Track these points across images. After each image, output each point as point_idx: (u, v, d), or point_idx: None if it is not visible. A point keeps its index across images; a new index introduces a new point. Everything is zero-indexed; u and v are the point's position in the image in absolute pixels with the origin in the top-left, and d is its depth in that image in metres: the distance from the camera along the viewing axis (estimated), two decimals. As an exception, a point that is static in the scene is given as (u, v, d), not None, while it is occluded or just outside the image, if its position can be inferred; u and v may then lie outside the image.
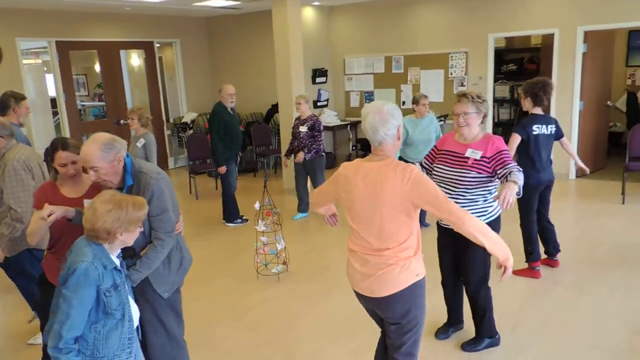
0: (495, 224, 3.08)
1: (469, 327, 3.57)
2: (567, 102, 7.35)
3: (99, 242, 2.05)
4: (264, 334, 3.69)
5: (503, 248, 2.27)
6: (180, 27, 9.77)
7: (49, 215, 2.39)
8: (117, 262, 2.13)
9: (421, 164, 3.32)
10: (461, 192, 3.03)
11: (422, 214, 5.74)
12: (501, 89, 9.83)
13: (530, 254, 4.37)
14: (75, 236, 2.42)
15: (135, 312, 2.20)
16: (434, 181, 3.09)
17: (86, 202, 2.58)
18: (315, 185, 6.16)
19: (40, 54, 10.56)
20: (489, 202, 3.08)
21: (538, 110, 4.16)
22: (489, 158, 2.96)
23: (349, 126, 9.35)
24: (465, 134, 3.06)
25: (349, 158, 9.32)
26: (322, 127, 6.14)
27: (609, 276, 4.31)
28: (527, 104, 4.20)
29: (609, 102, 7.94)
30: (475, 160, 2.97)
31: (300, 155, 6.04)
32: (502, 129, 10.00)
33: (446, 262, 3.36)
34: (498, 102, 9.74)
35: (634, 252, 4.77)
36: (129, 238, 2.10)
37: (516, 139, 4.08)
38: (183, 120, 9.71)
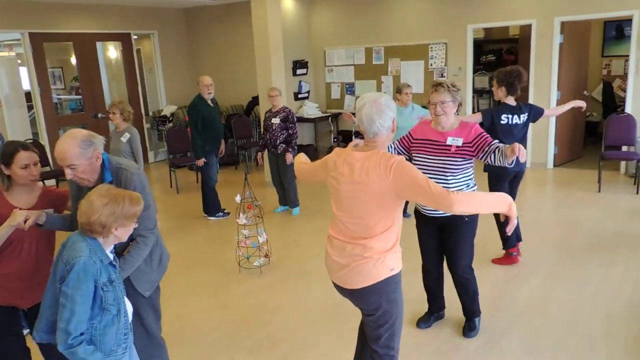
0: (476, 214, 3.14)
1: (450, 316, 3.62)
2: (545, 92, 7.46)
3: (93, 237, 2.03)
4: (247, 326, 3.69)
5: (500, 203, 2.24)
6: (158, 18, 9.62)
7: (25, 221, 2.31)
8: (112, 257, 2.13)
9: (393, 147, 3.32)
10: (449, 180, 3.08)
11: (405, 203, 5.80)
12: (480, 80, 9.91)
13: (506, 241, 4.43)
14: (36, 241, 2.42)
15: (129, 307, 2.19)
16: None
17: (45, 212, 2.51)
18: (284, 180, 6.10)
19: (14, 46, 10.32)
20: (472, 188, 3.16)
21: (510, 100, 4.16)
22: (471, 143, 3.02)
23: (330, 118, 9.34)
24: (442, 122, 3.10)
25: (330, 150, 9.32)
26: (295, 119, 6.07)
27: (585, 262, 4.40)
28: (500, 93, 4.20)
29: (585, 92, 8.07)
30: (458, 147, 3.03)
31: (289, 157, 5.87)
32: (482, 119, 10.12)
33: (429, 248, 3.38)
34: (477, 92, 9.82)
35: (610, 239, 4.88)
36: (124, 234, 2.08)
37: (476, 117, 4.09)
38: (162, 114, 9.60)
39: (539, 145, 7.66)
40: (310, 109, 9.20)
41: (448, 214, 3.06)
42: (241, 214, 4.62)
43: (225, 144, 6.34)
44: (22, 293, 2.56)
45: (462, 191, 2.82)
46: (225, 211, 6.23)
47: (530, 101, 7.57)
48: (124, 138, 4.91)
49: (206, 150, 5.90)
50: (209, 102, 5.90)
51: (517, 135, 4.19)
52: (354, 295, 2.35)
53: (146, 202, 2.44)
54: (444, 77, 8.28)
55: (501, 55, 9.88)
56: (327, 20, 9.34)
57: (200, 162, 5.90)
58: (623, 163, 7.14)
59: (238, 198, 4.59)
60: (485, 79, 9.94)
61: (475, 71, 8.94)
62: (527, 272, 4.28)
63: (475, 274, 3.36)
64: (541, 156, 7.67)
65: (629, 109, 6.87)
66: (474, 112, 8.85)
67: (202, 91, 5.84)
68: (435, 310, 3.60)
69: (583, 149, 8.30)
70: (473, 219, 3.17)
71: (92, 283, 1.95)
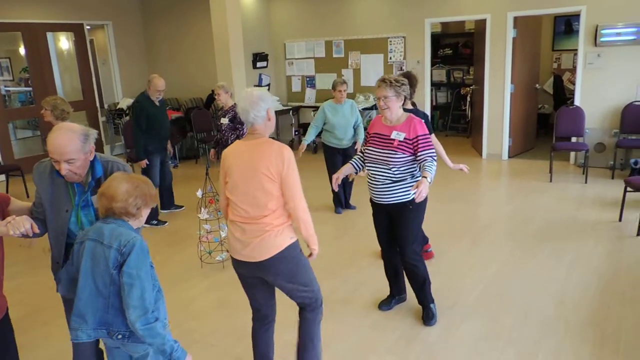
0: (423, 202, 3.28)
1: (411, 298, 3.71)
2: (499, 85, 7.68)
3: (123, 220, 2.09)
4: (209, 323, 3.67)
5: (314, 240, 2.63)
6: (113, 8, 9.33)
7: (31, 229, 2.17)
8: None
9: (361, 151, 3.51)
10: (391, 172, 3.22)
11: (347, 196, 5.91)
12: (438, 73, 10.13)
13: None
14: None
15: None
16: (367, 162, 3.35)
17: None
18: None
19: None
20: (417, 178, 3.28)
21: (408, 105, 4.24)
22: (410, 140, 3.17)
23: (291, 111, 9.33)
24: (387, 116, 3.25)
25: (291, 143, 9.32)
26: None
27: (538, 250, 4.59)
28: None
29: (537, 85, 8.36)
30: (400, 141, 3.18)
31: (212, 153, 5.68)
32: (440, 111, 10.34)
33: (382, 236, 3.56)
34: (435, 85, 10.03)
35: (561, 227, 5.10)
36: (146, 215, 2.19)
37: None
38: (118, 107, 9.34)
39: (495, 137, 7.91)
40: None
41: (393, 201, 3.27)
42: (203, 209, 4.58)
43: (172, 144, 6.09)
44: None
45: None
46: (154, 222, 5.77)
47: (486, 94, 7.79)
48: None
49: (148, 150, 5.62)
50: (156, 102, 5.61)
51: None
52: (264, 267, 2.54)
53: None
54: (403, 70, 8.40)
55: (457, 49, 10.11)
56: (287, 13, 9.29)
57: (143, 163, 5.61)
58: (573, 154, 7.46)
59: (199, 193, 4.54)
60: (443, 72, 10.16)
61: (433, 64, 9.11)
62: (484, 261, 4.44)
63: (425, 263, 3.48)
64: (496, 148, 7.92)
65: (577, 101, 7.18)
66: (432, 103, 9.04)
67: (152, 94, 5.55)
68: (395, 293, 3.74)
69: (535, 140, 8.61)
70: (417, 206, 3.30)
71: (149, 260, 2.06)
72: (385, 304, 3.71)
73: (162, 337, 2.04)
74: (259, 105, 2.48)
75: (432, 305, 3.54)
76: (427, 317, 3.51)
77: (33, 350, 3.40)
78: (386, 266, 3.68)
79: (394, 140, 3.19)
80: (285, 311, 3.16)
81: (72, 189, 2.34)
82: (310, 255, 2.70)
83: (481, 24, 7.81)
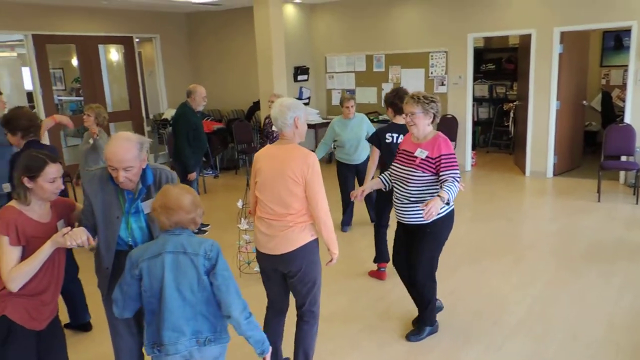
0: (449, 218, 3.22)
1: (447, 313, 3.63)
2: (545, 102, 7.50)
3: (190, 228, 2.18)
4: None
5: (334, 244, 2.79)
6: (160, 22, 9.65)
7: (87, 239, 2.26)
8: None
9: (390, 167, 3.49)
10: (410, 190, 3.18)
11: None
12: (480, 88, 9.98)
13: (377, 255, 4.49)
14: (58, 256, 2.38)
15: None
16: (391, 178, 3.38)
17: (60, 224, 2.43)
18: None
19: (16, 47, 10.32)
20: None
21: (399, 120, 4.17)
22: (433, 159, 3.10)
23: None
24: (414, 133, 3.23)
25: (330, 156, 9.35)
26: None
27: (585, 271, 4.42)
28: (389, 114, 4.33)
29: (584, 102, 8.13)
30: (422, 159, 3.12)
31: None
32: (482, 127, 10.17)
33: (396, 249, 3.49)
34: (477, 101, 9.88)
35: (610, 248, 4.90)
36: None
37: (373, 149, 4.29)
38: (163, 117, 9.60)
39: (539, 154, 7.71)
40: (311, 115, 9.22)
41: (412, 221, 3.25)
42: (243, 219, 4.63)
43: (213, 155, 6.06)
44: (43, 312, 2.42)
45: None
46: (203, 228, 5.83)
47: (530, 111, 7.61)
48: (91, 141, 4.75)
49: (194, 162, 5.52)
50: (198, 110, 5.58)
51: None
52: (282, 259, 2.75)
53: None
54: (445, 85, 8.33)
55: (501, 64, 9.95)
56: (328, 27, 9.39)
57: (193, 176, 5.50)
58: (622, 173, 7.18)
59: (240, 203, 4.59)
60: (485, 87, 10.01)
61: (475, 79, 9.00)
62: (528, 280, 4.30)
63: (436, 285, 3.40)
64: (541, 165, 7.71)
65: (628, 119, 6.92)
66: (473, 119, 8.90)
67: (197, 102, 5.50)
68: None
69: (582, 159, 8.34)
70: (436, 231, 3.21)
71: None
72: (413, 334, 3.53)
73: (259, 328, 2.22)
74: (286, 114, 2.71)
75: (427, 328, 3.47)
76: (413, 332, 3.48)
77: (80, 352, 3.49)
78: (406, 286, 3.55)
79: (416, 157, 3.15)
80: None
81: (122, 196, 2.39)
82: (331, 260, 2.84)
83: (526, 39, 7.67)
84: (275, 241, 2.73)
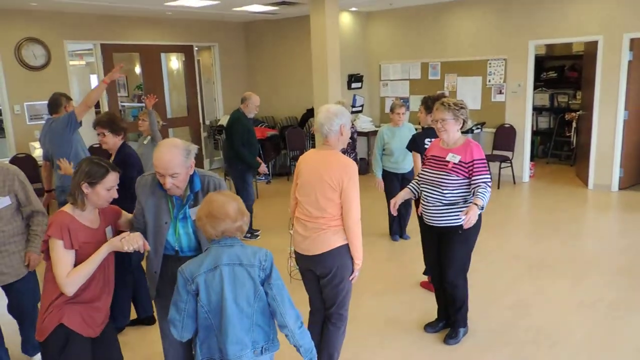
0: (478, 220, 3.15)
1: (472, 329, 3.49)
2: (611, 112, 7.13)
3: (238, 236, 2.15)
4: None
5: (359, 253, 2.83)
6: (219, 31, 9.92)
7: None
8: None
9: (418, 175, 3.53)
10: (444, 193, 3.22)
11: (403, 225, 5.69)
12: (541, 97, 9.62)
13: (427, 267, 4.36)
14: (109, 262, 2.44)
15: None
16: (421, 184, 3.41)
17: (108, 230, 2.48)
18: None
19: (85, 56, 10.91)
20: (470, 203, 3.18)
21: (426, 119, 4.18)
22: (466, 163, 3.16)
23: (383, 132, 9.29)
24: (445, 139, 3.28)
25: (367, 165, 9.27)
26: (356, 135, 5.99)
27: (654, 293, 4.15)
28: (428, 119, 4.25)
29: (655, 112, 7.66)
30: (455, 164, 3.18)
31: None
32: (541, 137, 9.80)
33: (430, 258, 3.58)
34: (537, 110, 9.54)
35: (682, 269, 4.58)
36: None
37: (415, 156, 4.29)
38: (219, 123, 9.85)
39: (603, 167, 7.33)
40: (364, 123, 9.20)
41: (444, 224, 3.28)
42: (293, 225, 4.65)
43: (266, 161, 6.15)
44: (97, 319, 2.45)
45: None
46: (255, 233, 5.93)
47: (594, 121, 7.26)
48: (146, 141, 4.97)
49: (244, 168, 5.59)
50: (250, 116, 5.69)
51: None
52: (315, 260, 2.83)
53: None
54: (502, 93, 8.09)
55: (563, 72, 9.57)
56: (383, 35, 9.35)
57: (263, 168, 5.69)
58: (696, 188, 6.71)
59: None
60: (546, 96, 9.65)
61: (535, 87, 8.69)
62: (592, 299, 4.08)
63: (467, 285, 3.44)
64: (605, 178, 7.32)
65: None
66: (532, 128, 8.59)
67: (251, 110, 5.62)
68: (443, 317, 3.65)
69: (651, 172, 7.86)
70: (468, 233, 3.23)
71: None
72: (431, 326, 3.66)
73: (309, 336, 2.22)
74: (333, 121, 2.77)
75: (461, 329, 3.50)
76: (451, 336, 3.49)
77: (133, 349, 3.61)
78: (437, 290, 3.63)
79: (448, 162, 3.20)
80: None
81: (170, 201, 2.44)
82: (353, 272, 2.87)
83: (592, 46, 7.33)
84: (309, 242, 2.83)
